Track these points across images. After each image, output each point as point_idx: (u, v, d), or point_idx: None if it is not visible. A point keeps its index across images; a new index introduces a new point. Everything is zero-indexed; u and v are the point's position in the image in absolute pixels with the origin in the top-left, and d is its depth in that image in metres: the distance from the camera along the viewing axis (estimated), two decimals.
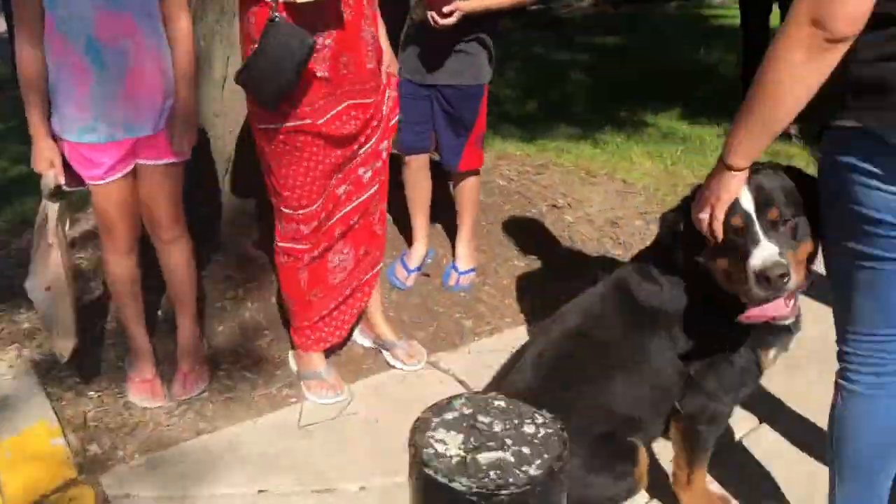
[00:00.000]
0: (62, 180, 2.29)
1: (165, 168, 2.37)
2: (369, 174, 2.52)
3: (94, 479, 2.25)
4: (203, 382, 2.59)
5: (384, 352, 2.74)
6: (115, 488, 2.22)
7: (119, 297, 2.55)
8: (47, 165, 2.27)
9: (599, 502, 1.91)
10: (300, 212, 2.41)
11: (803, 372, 2.52)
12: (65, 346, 2.40)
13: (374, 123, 2.46)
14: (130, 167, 2.33)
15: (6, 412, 2.48)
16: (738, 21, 5.14)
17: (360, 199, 2.53)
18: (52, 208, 2.31)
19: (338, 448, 2.37)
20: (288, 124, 2.28)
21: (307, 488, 2.21)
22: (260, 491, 2.20)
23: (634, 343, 1.92)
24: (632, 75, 6.36)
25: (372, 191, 2.55)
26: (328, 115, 2.31)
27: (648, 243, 2.15)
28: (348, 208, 2.51)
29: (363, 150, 2.47)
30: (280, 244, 2.50)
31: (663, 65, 6.58)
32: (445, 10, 2.66)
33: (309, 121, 2.29)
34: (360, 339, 2.83)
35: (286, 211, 2.42)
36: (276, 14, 2.14)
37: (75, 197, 2.74)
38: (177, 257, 2.53)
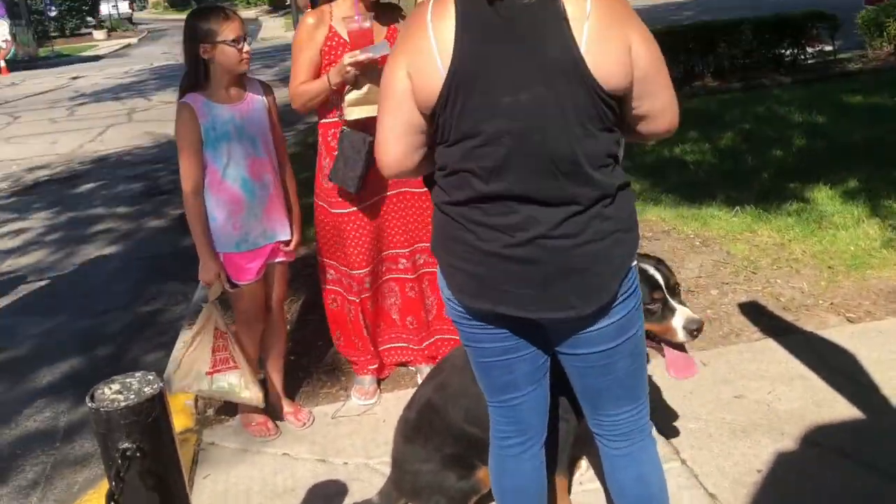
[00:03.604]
0: (228, 287, 3.03)
1: (285, 265, 3.25)
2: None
3: (200, 430, 3.41)
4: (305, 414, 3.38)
5: (418, 375, 3.56)
6: (208, 438, 3.35)
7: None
8: (214, 277, 2.98)
9: (450, 493, 2.56)
10: (354, 272, 3.34)
11: None
12: (256, 396, 3.12)
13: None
14: (264, 271, 3.10)
15: None
16: None
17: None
18: (216, 310, 3.01)
19: (347, 434, 3.24)
20: (353, 208, 3.23)
21: (313, 457, 3.12)
22: (284, 454, 3.17)
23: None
24: (850, 140, 6.26)
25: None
26: (371, 201, 3.24)
27: None
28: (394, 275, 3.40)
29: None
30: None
31: None
32: (353, 54, 2.99)
33: (365, 203, 3.22)
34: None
35: (345, 269, 3.36)
36: (345, 127, 3.15)
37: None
38: (280, 328, 3.37)
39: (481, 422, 2.46)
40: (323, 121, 3.24)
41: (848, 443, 2.85)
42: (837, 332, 3.61)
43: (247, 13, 34.03)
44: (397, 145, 1.84)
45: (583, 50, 1.65)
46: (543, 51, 1.66)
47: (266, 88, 3.11)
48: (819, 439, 2.90)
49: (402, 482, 2.63)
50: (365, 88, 3.01)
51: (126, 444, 1.42)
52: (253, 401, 3.14)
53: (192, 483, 3.01)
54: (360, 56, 2.92)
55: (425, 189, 3.25)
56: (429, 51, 1.72)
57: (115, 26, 36.61)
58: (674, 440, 2.96)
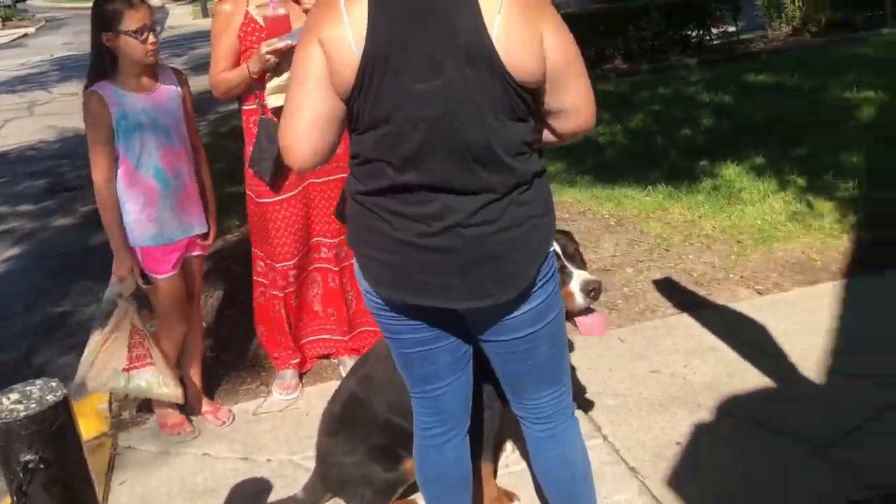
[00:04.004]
0: (141, 281, 2.95)
1: (201, 258, 3.17)
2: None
3: (115, 434, 3.30)
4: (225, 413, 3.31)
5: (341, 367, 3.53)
6: (124, 442, 3.24)
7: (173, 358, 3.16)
8: (128, 271, 2.89)
9: (376, 485, 2.54)
10: (278, 264, 3.27)
11: None
12: (175, 393, 3.04)
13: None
14: (180, 264, 3.00)
15: None
16: None
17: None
18: (131, 306, 2.93)
19: (270, 430, 3.18)
20: (281, 196, 3.17)
21: (234, 455, 3.05)
22: (204, 454, 3.09)
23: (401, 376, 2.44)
24: (755, 119, 6.47)
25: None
26: (297, 190, 3.18)
27: None
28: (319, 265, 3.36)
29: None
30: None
31: (799, 108, 6.59)
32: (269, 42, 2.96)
33: (290, 193, 3.18)
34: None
35: (270, 262, 3.29)
36: (264, 115, 3.07)
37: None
38: (196, 324, 3.27)
39: (406, 412, 2.44)
40: (245, 107, 3.18)
41: (760, 411, 2.96)
42: (747, 305, 3.74)
43: (152, 0, 32.90)
44: (311, 134, 1.74)
45: (494, 39, 1.62)
46: (455, 37, 1.63)
47: (179, 77, 3.01)
48: (733, 409, 3.00)
49: (328, 475, 2.60)
50: (285, 75, 2.95)
51: (28, 456, 1.34)
52: (171, 397, 3.05)
53: (107, 490, 2.91)
54: (278, 44, 2.88)
55: None
56: (343, 32, 1.66)
57: (10, 15, 34.88)
58: (595, 417, 3.02)
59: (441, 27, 1.64)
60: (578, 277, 2.29)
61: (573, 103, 1.80)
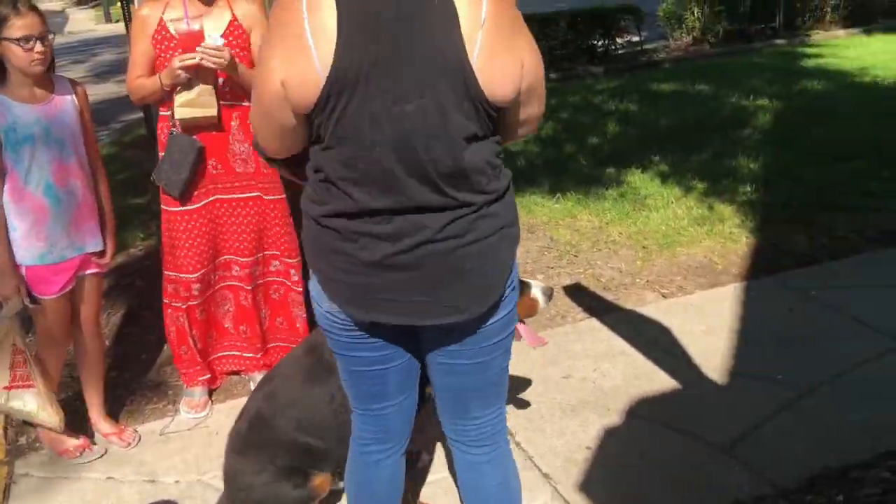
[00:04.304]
0: (27, 301, 2.77)
1: (99, 277, 3.04)
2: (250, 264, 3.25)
3: (11, 462, 3.14)
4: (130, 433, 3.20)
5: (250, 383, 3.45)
6: (21, 468, 3.08)
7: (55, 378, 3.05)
8: (13, 290, 2.73)
9: (286, 501, 2.48)
10: (182, 275, 3.18)
11: None
12: (53, 420, 2.90)
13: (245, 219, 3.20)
14: (73, 283, 2.86)
15: None
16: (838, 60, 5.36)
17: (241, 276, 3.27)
18: (14, 325, 2.79)
19: (178, 451, 3.08)
20: (187, 207, 3.10)
21: (140, 478, 2.94)
22: (108, 478, 2.97)
23: (307, 394, 2.43)
24: (659, 126, 6.67)
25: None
26: (204, 202, 3.11)
27: None
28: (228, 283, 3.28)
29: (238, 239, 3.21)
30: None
31: (700, 116, 6.83)
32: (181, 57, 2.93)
33: (194, 206, 3.09)
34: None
35: (172, 274, 3.20)
36: (175, 129, 3.00)
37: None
38: (96, 344, 3.11)
39: (314, 430, 2.41)
40: (161, 113, 3.12)
41: (666, 412, 3.04)
42: (654, 308, 3.84)
43: (51, 5, 31.66)
44: (273, 142, 1.75)
45: (474, 63, 1.55)
46: (433, 58, 1.54)
47: (76, 88, 2.88)
48: (641, 411, 3.07)
49: (236, 497, 2.53)
50: (196, 91, 2.92)
51: None
52: (49, 423, 2.91)
53: None
54: (189, 61, 2.82)
55: (276, 196, 3.20)
56: (304, 48, 1.54)
57: None
58: (509, 423, 3.03)
59: (417, 44, 1.55)
60: (536, 285, 2.45)
61: (534, 114, 1.76)
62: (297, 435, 2.41)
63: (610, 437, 2.94)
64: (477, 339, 1.81)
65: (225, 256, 3.25)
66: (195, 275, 3.18)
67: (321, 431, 2.42)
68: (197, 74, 2.89)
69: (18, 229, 2.74)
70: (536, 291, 2.50)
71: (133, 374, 3.63)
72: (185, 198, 3.09)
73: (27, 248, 2.76)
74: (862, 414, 2.93)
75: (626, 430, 2.98)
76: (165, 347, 3.44)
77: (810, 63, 8.95)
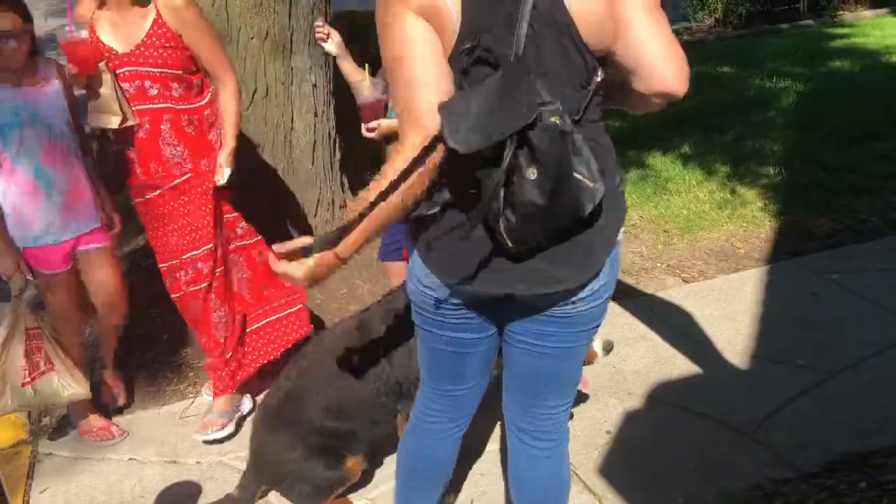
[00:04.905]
0: (30, 276, 2.79)
1: (106, 250, 2.99)
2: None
3: (34, 441, 3.18)
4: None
5: None
6: (45, 448, 3.12)
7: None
8: (14, 268, 2.76)
9: (315, 482, 2.49)
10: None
11: None
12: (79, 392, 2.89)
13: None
14: (72, 261, 2.88)
15: None
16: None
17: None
18: (22, 305, 2.77)
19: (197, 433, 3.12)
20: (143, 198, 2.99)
21: (162, 459, 2.97)
22: (130, 458, 3.00)
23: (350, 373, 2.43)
24: (682, 108, 6.58)
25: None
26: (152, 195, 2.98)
27: None
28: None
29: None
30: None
31: (723, 98, 6.74)
32: (367, 126, 2.95)
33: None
34: None
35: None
36: (110, 133, 2.90)
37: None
38: (111, 321, 3.16)
39: (343, 415, 2.42)
40: None
41: (687, 397, 3.02)
42: (675, 293, 3.81)
43: None
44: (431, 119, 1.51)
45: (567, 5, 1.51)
46: (535, 6, 1.50)
47: (62, 69, 2.86)
48: (662, 396, 3.05)
49: (264, 471, 2.55)
50: (98, 98, 2.80)
51: None
52: (79, 395, 2.90)
53: (27, 499, 2.80)
54: (73, 70, 2.73)
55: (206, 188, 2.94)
56: None
57: None
58: None
59: None
60: (597, 338, 2.42)
61: (648, 60, 1.57)
62: (326, 421, 2.43)
63: (630, 421, 2.93)
64: (569, 323, 1.76)
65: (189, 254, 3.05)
66: (164, 265, 3.08)
67: (352, 415, 2.43)
68: (91, 85, 2.76)
69: (10, 214, 2.76)
70: (597, 344, 2.62)
71: (155, 356, 3.65)
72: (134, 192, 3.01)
73: (21, 233, 2.77)
74: (884, 400, 2.90)
75: (647, 415, 2.97)
76: (187, 329, 3.45)
77: (835, 44, 8.80)
